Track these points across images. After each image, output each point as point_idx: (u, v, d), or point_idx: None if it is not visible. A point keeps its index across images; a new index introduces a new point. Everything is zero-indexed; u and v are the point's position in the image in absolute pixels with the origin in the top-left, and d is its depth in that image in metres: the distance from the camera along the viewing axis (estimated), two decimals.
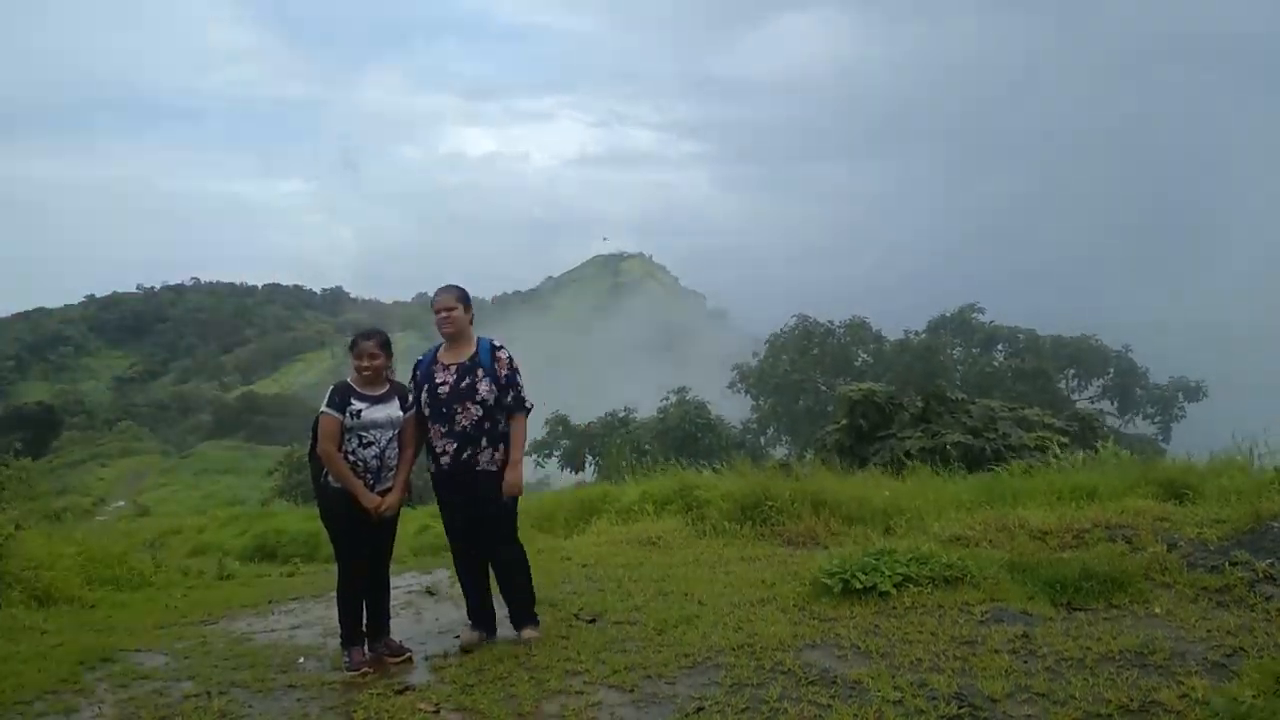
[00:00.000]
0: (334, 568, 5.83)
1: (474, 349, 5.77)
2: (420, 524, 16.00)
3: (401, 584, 8.70)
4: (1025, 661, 4.83)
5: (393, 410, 5.61)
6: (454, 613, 6.97)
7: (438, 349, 5.86)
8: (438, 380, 5.68)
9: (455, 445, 5.60)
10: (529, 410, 5.79)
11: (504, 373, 5.70)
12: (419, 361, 5.86)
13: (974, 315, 42.41)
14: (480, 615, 5.94)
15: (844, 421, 17.12)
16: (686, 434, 33.29)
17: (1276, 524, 6.40)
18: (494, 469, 5.65)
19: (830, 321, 41.07)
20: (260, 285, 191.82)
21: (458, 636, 6.00)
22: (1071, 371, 41.36)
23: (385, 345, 5.68)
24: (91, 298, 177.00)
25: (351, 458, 5.46)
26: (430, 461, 5.75)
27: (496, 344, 5.82)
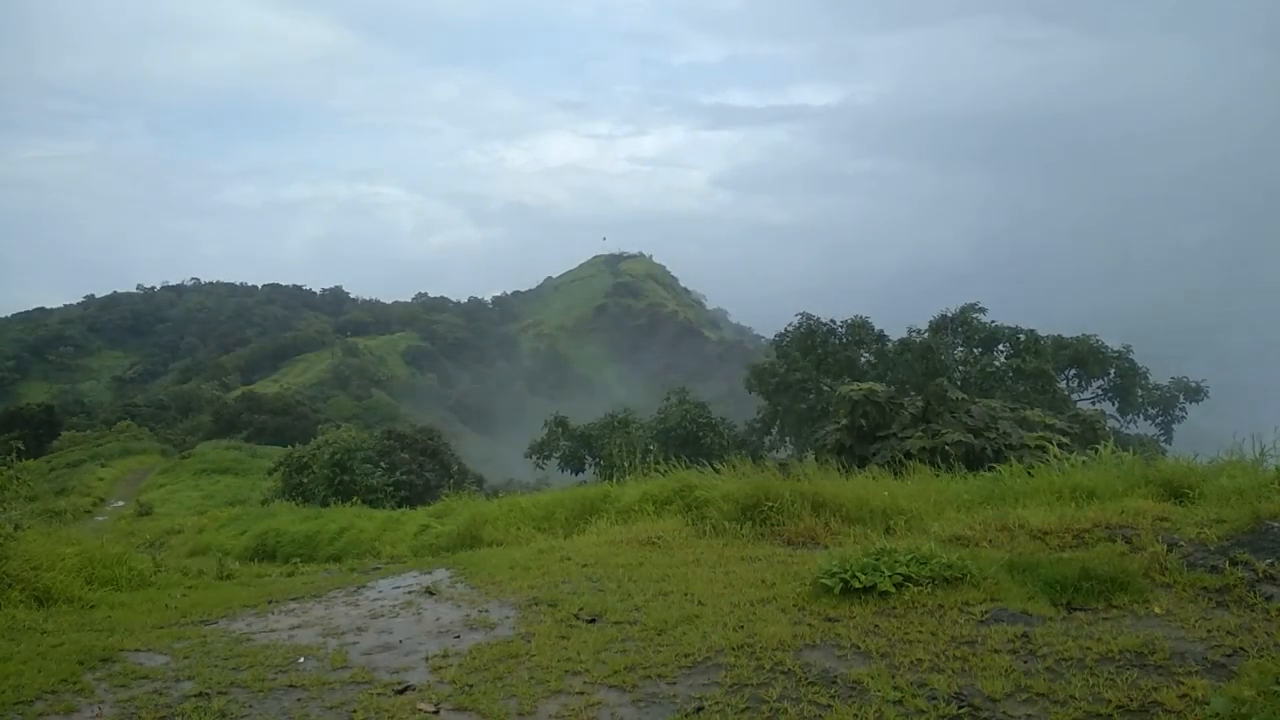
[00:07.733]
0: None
1: None
2: (420, 524, 16.02)
3: (401, 584, 8.71)
4: (1025, 661, 4.83)
5: None
6: (454, 613, 6.98)
7: None
8: None
9: None
10: None
11: None
12: None
13: (975, 315, 42.47)
14: None
15: (844, 421, 17.09)
16: (688, 434, 33.31)
17: (1276, 524, 6.39)
18: None
19: (832, 321, 41.16)
20: (260, 285, 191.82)
21: (458, 636, 6.01)
22: (1072, 372, 41.45)
23: None
24: (91, 298, 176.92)
25: None
26: None
27: None
